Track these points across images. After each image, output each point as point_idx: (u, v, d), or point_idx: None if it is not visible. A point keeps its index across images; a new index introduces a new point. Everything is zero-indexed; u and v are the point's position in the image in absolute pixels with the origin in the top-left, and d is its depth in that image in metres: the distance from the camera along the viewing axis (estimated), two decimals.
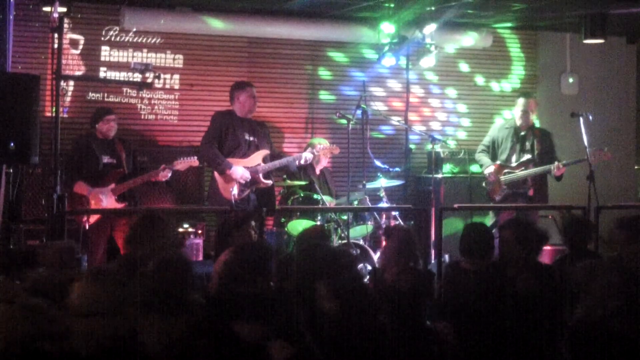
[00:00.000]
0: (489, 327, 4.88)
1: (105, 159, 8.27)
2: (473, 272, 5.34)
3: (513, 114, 9.55)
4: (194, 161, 8.54)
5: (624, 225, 5.34)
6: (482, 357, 4.84)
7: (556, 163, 9.02)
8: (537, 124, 9.93)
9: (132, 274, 4.44)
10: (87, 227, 7.67)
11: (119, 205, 8.14)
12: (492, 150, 9.39)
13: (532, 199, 9.20)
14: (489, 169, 9.22)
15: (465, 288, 5.27)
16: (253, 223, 6.79)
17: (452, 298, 5.43)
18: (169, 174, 8.38)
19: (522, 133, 9.32)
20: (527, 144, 9.29)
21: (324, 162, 9.41)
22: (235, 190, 8.20)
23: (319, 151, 8.89)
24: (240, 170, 8.36)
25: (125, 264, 4.93)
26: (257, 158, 8.54)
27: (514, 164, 9.22)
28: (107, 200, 8.11)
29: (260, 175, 8.50)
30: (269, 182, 8.60)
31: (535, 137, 9.33)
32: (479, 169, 9.71)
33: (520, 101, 9.36)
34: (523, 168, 9.16)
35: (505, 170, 9.18)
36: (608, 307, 4.26)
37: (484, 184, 9.41)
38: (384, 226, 9.07)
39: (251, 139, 8.59)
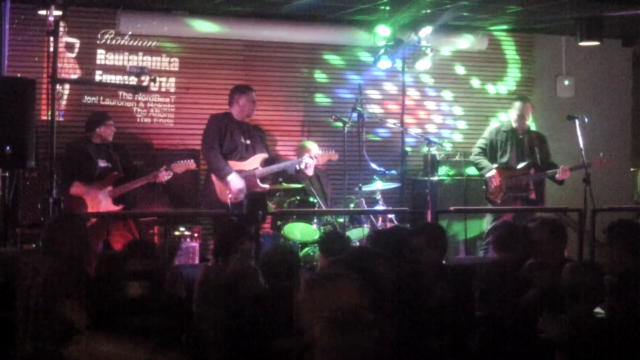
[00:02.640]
0: (405, 334, 4.84)
1: (102, 163, 8.28)
2: (389, 279, 5.29)
3: (509, 117, 9.55)
4: (191, 164, 8.55)
5: (606, 229, 5.42)
6: None
7: (562, 166, 9.03)
8: (533, 127, 9.94)
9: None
10: None
11: (116, 208, 8.15)
12: (490, 153, 9.38)
13: (533, 203, 9.22)
14: (491, 173, 9.19)
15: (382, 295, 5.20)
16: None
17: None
18: (169, 176, 8.39)
19: (521, 136, 9.34)
20: (527, 148, 9.31)
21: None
22: (231, 194, 8.21)
23: (317, 157, 8.86)
24: (238, 184, 8.36)
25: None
26: (255, 162, 8.54)
27: (516, 168, 9.22)
28: (105, 203, 8.12)
29: (258, 180, 8.50)
30: (266, 186, 8.61)
31: (533, 140, 9.37)
32: (474, 171, 9.71)
33: (518, 105, 9.39)
34: (525, 171, 9.18)
35: (508, 174, 9.17)
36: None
37: (484, 187, 9.38)
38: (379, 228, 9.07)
39: (247, 142, 8.60)
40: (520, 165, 9.23)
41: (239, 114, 8.59)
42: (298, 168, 8.71)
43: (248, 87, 8.86)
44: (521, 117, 9.33)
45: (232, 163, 8.43)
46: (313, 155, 8.81)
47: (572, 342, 4.46)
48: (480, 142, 9.53)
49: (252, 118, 8.84)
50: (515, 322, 5.11)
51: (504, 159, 9.29)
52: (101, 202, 8.12)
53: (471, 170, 9.86)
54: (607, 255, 5.23)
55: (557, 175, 9.06)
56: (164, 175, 8.38)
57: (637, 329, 4.44)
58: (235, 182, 8.37)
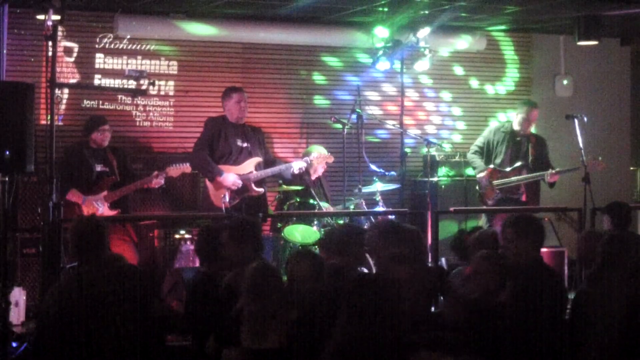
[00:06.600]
0: None
1: (98, 168, 8.28)
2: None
3: (511, 118, 9.53)
4: (186, 167, 8.53)
5: (512, 223, 5.54)
6: None
7: (550, 170, 9.08)
8: (533, 130, 9.91)
9: None
10: None
11: (112, 213, 8.14)
12: (486, 153, 9.40)
13: (525, 205, 9.25)
14: (482, 174, 9.23)
15: None
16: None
17: None
18: (162, 181, 8.38)
19: (518, 138, 9.35)
20: (522, 150, 9.34)
21: (319, 171, 9.36)
22: (226, 198, 8.15)
23: (312, 160, 8.86)
24: (231, 177, 8.32)
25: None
26: (249, 166, 8.50)
27: (507, 169, 9.24)
28: (101, 208, 8.10)
29: (252, 184, 8.46)
30: (261, 190, 8.56)
31: (530, 143, 9.40)
32: (472, 171, 9.72)
33: (526, 109, 9.39)
34: (517, 173, 9.20)
35: (499, 175, 9.19)
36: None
37: (477, 187, 9.41)
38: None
39: (244, 145, 8.56)
40: (512, 167, 9.26)
41: (231, 117, 8.61)
42: (293, 172, 8.68)
43: (233, 89, 8.81)
44: (527, 121, 9.36)
45: (226, 167, 8.39)
46: (309, 159, 8.80)
47: (469, 324, 4.73)
48: (479, 141, 9.56)
49: (250, 120, 8.83)
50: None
51: (498, 160, 9.30)
52: (97, 207, 8.11)
53: (471, 171, 9.86)
54: (512, 248, 5.40)
55: (546, 178, 9.10)
56: (156, 182, 8.36)
57: (533, 317, 4.82)
58: (229, 177, 8.31)
